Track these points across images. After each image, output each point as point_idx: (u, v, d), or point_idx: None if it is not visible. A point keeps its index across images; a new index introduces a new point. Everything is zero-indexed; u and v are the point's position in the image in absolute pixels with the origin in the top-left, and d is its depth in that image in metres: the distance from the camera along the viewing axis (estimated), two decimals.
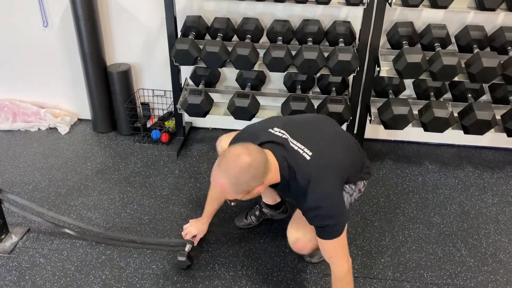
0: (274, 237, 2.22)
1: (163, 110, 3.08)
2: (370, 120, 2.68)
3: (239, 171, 1.50)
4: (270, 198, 2.20)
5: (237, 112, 2.63)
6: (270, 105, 2.84)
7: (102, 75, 2.91)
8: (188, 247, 2.02)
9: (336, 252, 1.65)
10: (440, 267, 2.10)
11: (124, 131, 3.07)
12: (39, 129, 3.10)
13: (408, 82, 2.77)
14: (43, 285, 1.95)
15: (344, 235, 1.63)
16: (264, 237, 2.23)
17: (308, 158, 1.60)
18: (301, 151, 1.62)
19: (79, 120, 3.23)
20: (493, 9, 2.29)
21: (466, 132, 2.57)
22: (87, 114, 3.17)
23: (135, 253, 2.12)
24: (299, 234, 1.78)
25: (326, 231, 1.61)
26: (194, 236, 2.10)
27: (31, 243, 2.16)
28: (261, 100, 2.74)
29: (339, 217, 1.60)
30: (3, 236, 2.15)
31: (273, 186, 1.69)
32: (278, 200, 2.22)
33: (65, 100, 3.18)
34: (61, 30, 2.88)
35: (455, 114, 2.61)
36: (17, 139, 2.99)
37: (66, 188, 2.53)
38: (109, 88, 2.96)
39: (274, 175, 1.60)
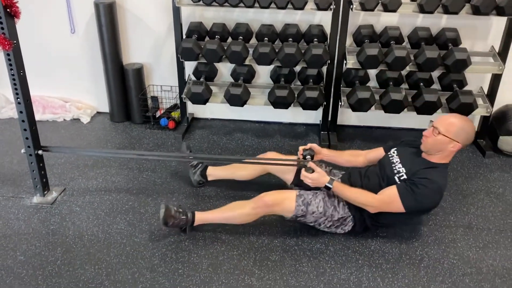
0: None
1: (169, 102, 3.67)
2: (341, 105, 3.27)
3: (470, 125, 2.23)
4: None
5: (231, 99, 3.22)
6: (259, 95, 3.43)
7: (120, 73, 3.51)
8: (308, 158, 2.35)
9: (387, 199, 2.21)
10: None
11: (137, 120, 3.65)
12: (64, 119, 3.67)
13: (372, 75, 3.38)
14: (81, 224, 2.48)
15: (399, 205, 2.18)
16: None
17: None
18: None
19: (98, 112, 3.81)
20: (431, 12, 2.91)
21: (418, 112, 3.16)
22: (104, 108, 3.75)
23: (151, 203, 2.66)
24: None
25: (406, 190, 2.17)
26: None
27: (68, 198, 2.70)
28: (252, 91, 3.34)
29: (418, 199, 2.17)
30: (46, 192, 2.69)
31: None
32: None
33: (86, 96, 3.77)
34: (86, 35, 3.49)
35: (409, 99, 3.20)
36: (47, 127, 3.56)
37: (92, 161, 3.08)
38: (125, 84, 3.55)
39: (449, 154, 2.24)
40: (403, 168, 2.30)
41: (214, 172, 2.80)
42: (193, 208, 2.61)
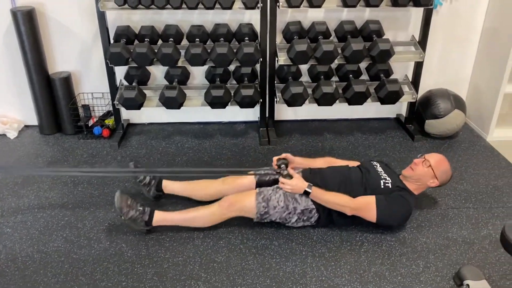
0: None
1: (102, 110, 3.55)
2: (276, 101, 3.32)
3: (450, 173, 2.49)
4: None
5: (167, 102, 3.17)
6: (196, 96, 3.41)
7: (46, 83, 3.34)
8: (283, 167, 2.44)
9: (364, 203, 2.33)
10: None
11: (68, 131, 3.49)
12: None
13: (304, 70, 3.45)
14: (13, 246, 2.34)
15: (373, 215, 2.33)
16: None
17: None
18: None
19: (26, 126, 3.61)
20: (354, 6, 3.02)
21: (349, 103, 3.28)
22: (33, 121, 3.56)
23: (89, 217, 2.57)
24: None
25: (384, 205, 2.31)
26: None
27: None
28: (188, 93, 3.30)
29: (392, 217, 2.37)
30: None
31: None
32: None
33: (11, 109, 3.55)
34: (5, 46, 3.29)
35: (340, 91, 3.31)
36: None
37: (22, 178, 2.91)
38: (53, 94, 3.39)
39: (424, 187, 2.48)
40: (388, 179, 2.42)
41: (171, 186, 2.65)
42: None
